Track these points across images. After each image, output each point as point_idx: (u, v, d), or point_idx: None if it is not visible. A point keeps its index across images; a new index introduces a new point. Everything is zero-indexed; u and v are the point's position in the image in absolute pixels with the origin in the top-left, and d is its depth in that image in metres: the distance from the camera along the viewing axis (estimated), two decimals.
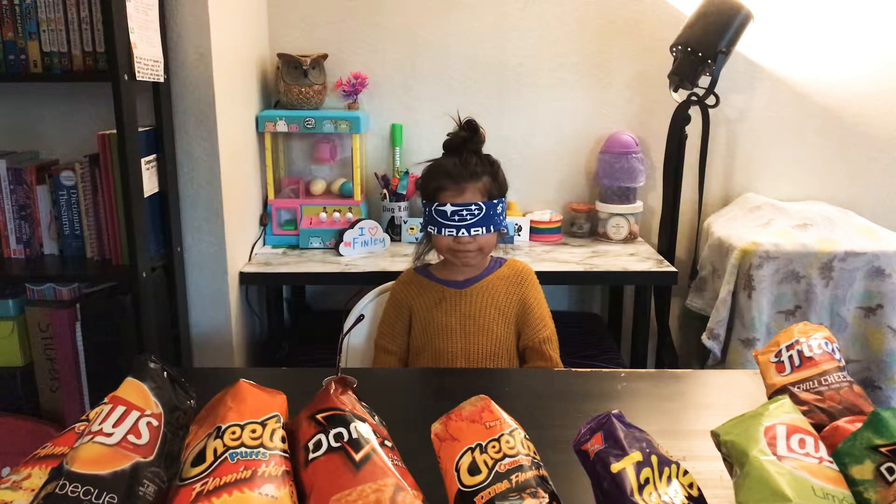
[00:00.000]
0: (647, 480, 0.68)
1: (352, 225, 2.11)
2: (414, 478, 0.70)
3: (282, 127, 2.12)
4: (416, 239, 2.15)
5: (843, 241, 1.95)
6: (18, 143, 1.81)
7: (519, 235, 2.24)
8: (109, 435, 0.65)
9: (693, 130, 2.13)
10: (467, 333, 1.49)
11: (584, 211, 2.32)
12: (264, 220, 2.18)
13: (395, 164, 2.32)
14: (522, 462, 0.69)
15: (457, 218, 1.44)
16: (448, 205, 1.44)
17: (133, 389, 0.69)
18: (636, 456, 0.69)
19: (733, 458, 0.73)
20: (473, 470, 0.69)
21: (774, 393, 0.94)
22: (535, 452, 0.73)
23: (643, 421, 0.79)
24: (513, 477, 0.68)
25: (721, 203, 2.38)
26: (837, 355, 0.93)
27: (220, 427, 0.69)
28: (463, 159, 1.46)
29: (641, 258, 2.09)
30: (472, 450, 0.71)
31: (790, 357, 0.95)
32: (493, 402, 0.77)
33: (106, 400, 0.69)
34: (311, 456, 0.70)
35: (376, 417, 0.77)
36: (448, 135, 1.51)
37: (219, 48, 1.77)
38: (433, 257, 1.60)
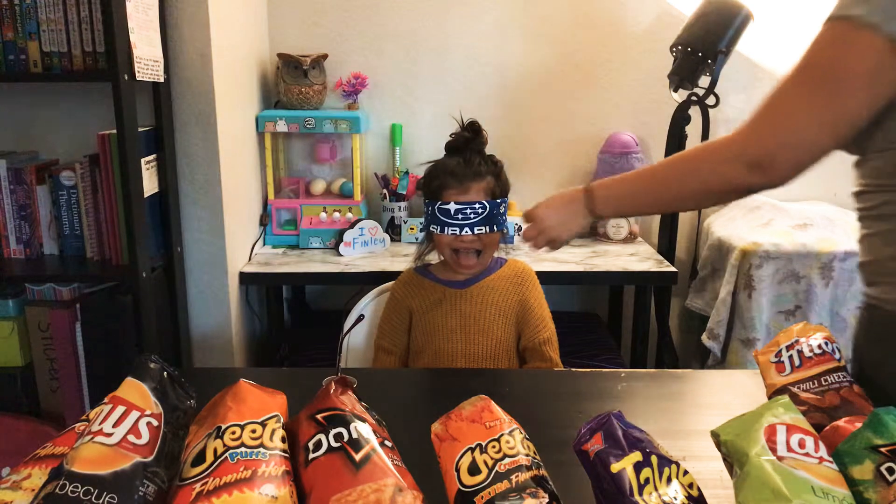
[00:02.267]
0: (647, 480, 0.68)
1: (352, 225, 2.11)
2: (414, 478, 0.70)
3: (282, 127, 2.12)
4: (416, 239, 2.15)
5: (843, 241, 1.95)
6: (18, 143, 1.81)
7: (519, 235, 2.24)
8: (109, 435, 0.65)
9: (693, 130, 2.13)
10: (467, 334, 1.49)
11: None
12: (264, 220, 2.18)
13: (395, 164, 2.32)
14: (522, 462, 0.69)
15: (460, 216, 1.44)
16: (452, 203, 1.44)
17: (133, 389, 0.69)
18: (636, 456, 0.69)
19: (733, 458, 0.73)
20: (473, 470, 0.69)
21: (774, 393, 0.94)
22: (535, 452, 0.73)
23: (643, 421, 0.79)
24: (513, 477, 0.67)
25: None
26: (837, 355, 0.93)
27: (220, 427, 0.69)
28: (466, 159, 1.47)
29: (641, 258, 2.09)
30: (472, 450, 0.71)
31: (790, 357, 0.95)
32: (493, 402, 0.77)
33: (106, 400, 0.69)
34: (311, 456, 0.70)
35: (376, 417, 0.77)
36: (451, 136, 1.51)
37: (219, 48, 1.77)
38: (433, 257, 1.60)
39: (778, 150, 0.89)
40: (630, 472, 0.68)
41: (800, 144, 0.88)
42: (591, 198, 1.12)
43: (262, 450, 0.68)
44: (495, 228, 1.47)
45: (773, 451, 0.69)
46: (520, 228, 2.24)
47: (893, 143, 0.88)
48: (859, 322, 0.98)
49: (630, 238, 2.27)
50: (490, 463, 0.69)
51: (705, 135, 2.15)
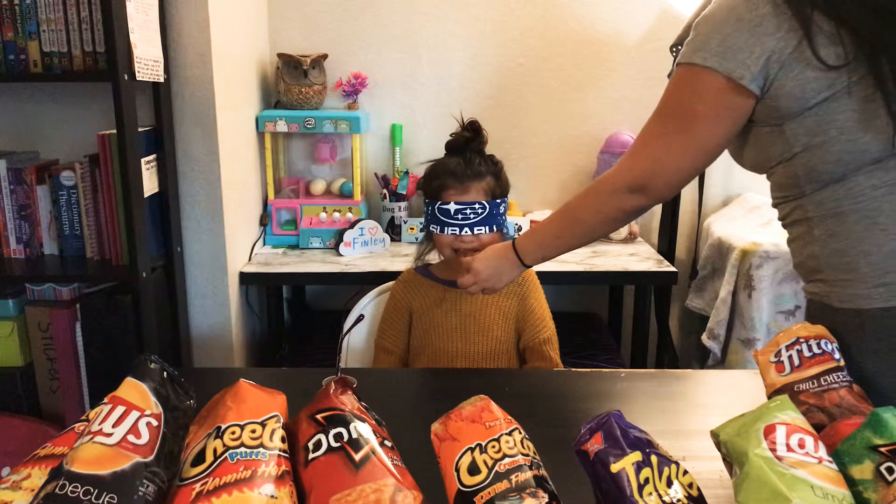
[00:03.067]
0: (646, 480, 0.68)
1: (352, 225, 2.11)
2: (414, 478, 0.70)
3: (282, 127, 2.12)
4: (416, 239, 2.15)
5: None
6: (18, 143, 1.81)
7: (519, 235, 2.24)
8: (109, 435, 0.65)
9: None
10: (467, 333, 1.49)
11: None
12: (264, 220, 2.18)
13: (395, 164, 2.32)
14: (522, 462, 0.69)
15: (460, 217, 1.44)
16: (452, 203, 1.44)
17: (133, 389, 0.69)
18: (636, 456, 0.69)
19: (733, 458, 0.73)
20: (473, 470, 0.69)
21: (774, 393, 0.94)
22: (534, 452, 0.73)
23: (643, 421, 0.79)
24: (512, 477, 0.67)
25: (721, 203, 2.38)
26: (837, 355, 0.93)
27: (219, 427, 0.69)
28: (467, 159, 1.47)
29: (641, 258, 2.09)
30: (472, 450, 0.71)
31: (790, 357, 0.95)
32: (492, 402, 0.77)
33: (106, 400, 0.69)
34: (311, 456, 0.70)
35: (376, 417, 0.77)
36: (451, 135, 1.51)
37: (219, 48, 1.77)
38: (434, 257, 1.60)
39: (651, 175, 1.06)
40: (630, 472, 0.68)
41: (668, 169, 1.05)
42: (517, 251, 1.27)
43: (261, 450, 0.68)
44: (495, 229, 1.47)
45: (773, 450, 0.69)
46: (520, 228, 2.24)
47: (780, 158, 1.00)
48: (805, 313, 1.09)
49: (630, 238, 2.27)
50: (490, 463, 0.69)
51: None
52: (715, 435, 0.78)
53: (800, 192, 1.00)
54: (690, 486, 0.70)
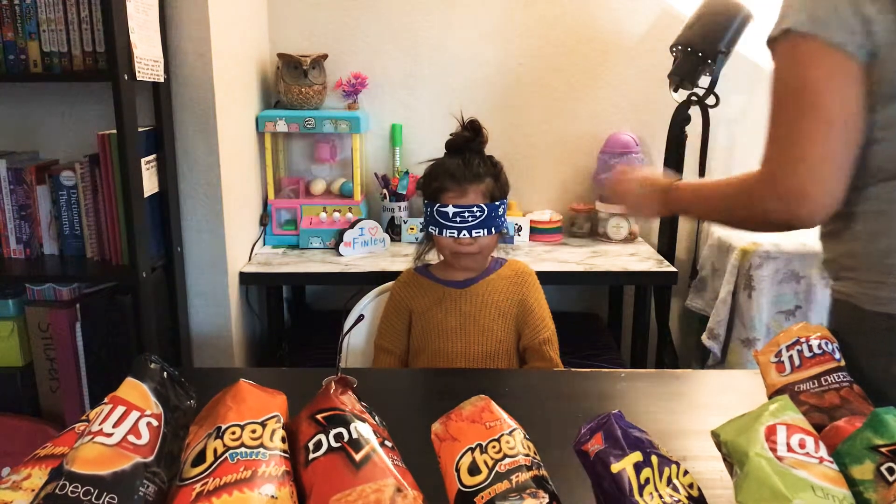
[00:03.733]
0: (647, 480, 0.68)
1: (352, 225, 2.11)
2: (414, 478, 0.70)
3: (282, 127, 2.12)
4: (416, 239, 2.15)
5: None
6: (18, 143, 1.81)
7: (519, 235, 2.24)
8: (109, 435, 0.64)
9: (693, 130, 2.13)
10: (467, 333, 1.49)
11: (584, 211, 2.32)
12: (264, 220, 2.18)
13: (395, 164, 2.32)
14: (522, 462, 0.69)
15: (458, 219, 1.44)
16: (450, 206, 1.44)
17: (133, 389, 0.69)
18: (636, 456, 0.69)
19: (733, 458, 0.73)
20: (473, 470, 0.69)
21: (774, 393, 0.94)
22: (535, 452, 0.73)
23: (643, 421, 0.79)
24: (513, 477, 0.67)
25: None
26: (837, 355, 0.93)
27: (220, 427, 0.69)
28: (466, 160, 1.46)
29: (641, 258, 2.09)
30: (472, 450, 0.71)
31: (790, 357, 0.95)
32: (493, 402, 0.77)
33: (106, 400, 0.69)
34: (312, 456, 0.70)
35: (376, 417, 0.77)
36: (451, 135, 1.51)
37: (219, 48, 1.77)
38: (433, 257, 1.60)
39: (803, 179, 0.89)
40: (630, 472, 0.68)
41: (816, 162, 0.88)
42: (668, 195, 1.13)
43: (262, 450, 0.68)
44: (493, 231, 1.47)
45: (774, 450, 0.69)
46: (519, 228, 2.24)
47: None
48: (829, 313, 1.05)
49: (630, 238, 2.27)
50: (490, 463, 0.69)
51: (705, 135, 2.15)
52: (715, 435, 0.78)
53: (851, 185, 0.92)
54: (691, 486, 0.70)
